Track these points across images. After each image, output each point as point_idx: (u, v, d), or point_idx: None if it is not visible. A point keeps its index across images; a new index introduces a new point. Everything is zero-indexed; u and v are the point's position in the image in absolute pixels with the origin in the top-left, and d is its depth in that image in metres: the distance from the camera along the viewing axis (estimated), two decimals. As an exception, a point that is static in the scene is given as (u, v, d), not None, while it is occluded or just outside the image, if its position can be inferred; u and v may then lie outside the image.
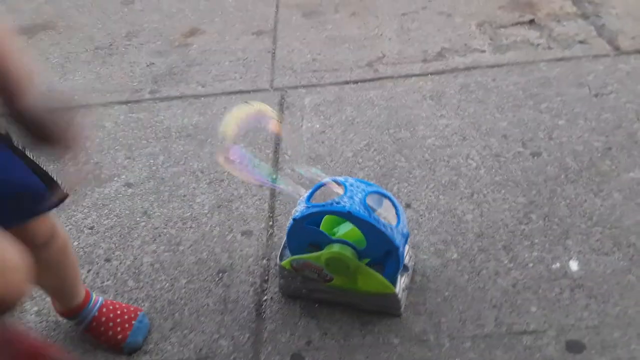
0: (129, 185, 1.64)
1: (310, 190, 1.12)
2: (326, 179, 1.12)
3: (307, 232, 1.13)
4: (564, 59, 1.93)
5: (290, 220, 1.12)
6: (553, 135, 1.60)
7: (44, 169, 0.91)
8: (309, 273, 1.16)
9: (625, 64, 1.87)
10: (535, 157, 1.53)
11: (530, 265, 1.24)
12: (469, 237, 1.33)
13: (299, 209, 1.10)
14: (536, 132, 1.62)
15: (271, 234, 1.42)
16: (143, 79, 2.16)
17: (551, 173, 1.47)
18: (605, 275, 1.20)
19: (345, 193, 1.08)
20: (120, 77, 2.18)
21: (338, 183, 1.11)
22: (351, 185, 1.10)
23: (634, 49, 1.94)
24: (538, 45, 2.02)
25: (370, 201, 1.09)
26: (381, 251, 1.11)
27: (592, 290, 1.18)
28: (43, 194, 0.89)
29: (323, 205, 1.09)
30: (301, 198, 1.12)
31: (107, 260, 1.41)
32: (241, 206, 1.52)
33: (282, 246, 1.23)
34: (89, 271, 1.38)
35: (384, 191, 1.13)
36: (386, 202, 1.13)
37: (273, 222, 1.46)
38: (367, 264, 1.11)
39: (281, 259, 1.20)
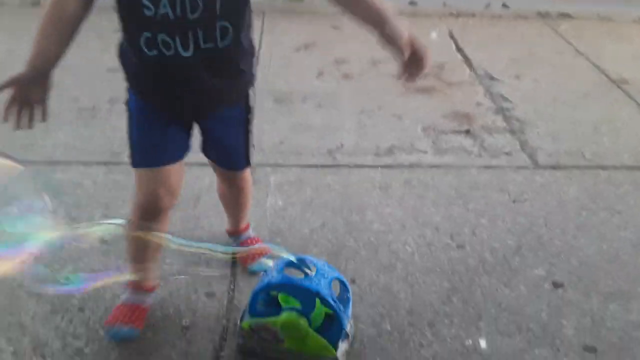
0: (103, 241, 1.80)
1: (282, 263, 1.35)
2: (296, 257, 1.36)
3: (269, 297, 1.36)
4: (491, 167, 2.30)
5: (264, 282, 1.34)
6: (476, 231, 1.91)
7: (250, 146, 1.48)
8: (264, 334, 1.36)
9: (540, 177, 2.25)
10: (460, 249, 1.83)
11: (449, 340, 1.49)
12: (401, 313, 1.57)
13: (275, 275, 1.32)
14: (462, 228, 1.93)
15: (232, 297, 1.62)
16: (123, 142, 2.35)
17: (471, 264, 1.77)
18: (507, 354, 1.46)
19: (316, 274, 1.32)
20: (101, 140, 2.38)
21: (308, 263, 1.35)
22: (320, 267, 1.34)
23: (549, 165, 2.33)
24: (471, 152, 2.40)
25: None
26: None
27: (496, 365, 1.43)
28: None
29: (296, 280, 1.32)
30: (273, 267, 1.34)
31: (81, 309, 1.55)
32: (207, 270, 1.71)
33: (243, 309, 1.43)
34: (62, 318, 1.52)
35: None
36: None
37: (234, 287, 1.65)
38: (315, 330, 1.33)
39: (242, 320, 1.40)
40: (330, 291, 1.31)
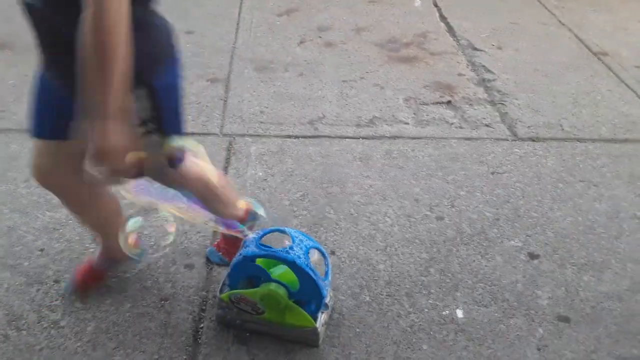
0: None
1: (260, 233, 1.34)
2: (274, 227, 1.36)
3: (250, 267, 1.35)
4: (471, 138, 2.30)
5: (240, 256, 1.33)
6: (455, 203, 1.93)
7: None
8: (244, 306, 1.36)
9: (519, 149, 2.26)
10: (439, 221, 1.84)
11: (426, 310, 1.52)
12: (380, 284, 1.59)
13: (251, 248, 1.31)
14: (442, 199, 1.94)
15: (211, 268, 1.61)
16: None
17: (450, 235, 1.78)
18: (483, 323, 1.49)
19: (292, 244, 1.31)
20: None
21: (285, 233, 1.34)
22: (297, 237, 1.34)
23: (528, 137, 2.35)
24: (452, 124, 2.40)
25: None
26: (310, 296, 1.34)
27: (471, 334, 1.46)
28: None
29: (273, 251, 1.31)
30: (250, 238, 1.33)
31: (56, 281, 1.53)
32: (185, 241, 1.70)
33: (222, 281, 1.43)
34: (38, 290, 1.50)
35: (320, 246, 1.37)
36: (317, 253, 1.37)
37: (214, 258, 1.64)
38: (294, 302, 1.33)
39: (221, 292, 1.40)
40: (306, 260, 1.31)
